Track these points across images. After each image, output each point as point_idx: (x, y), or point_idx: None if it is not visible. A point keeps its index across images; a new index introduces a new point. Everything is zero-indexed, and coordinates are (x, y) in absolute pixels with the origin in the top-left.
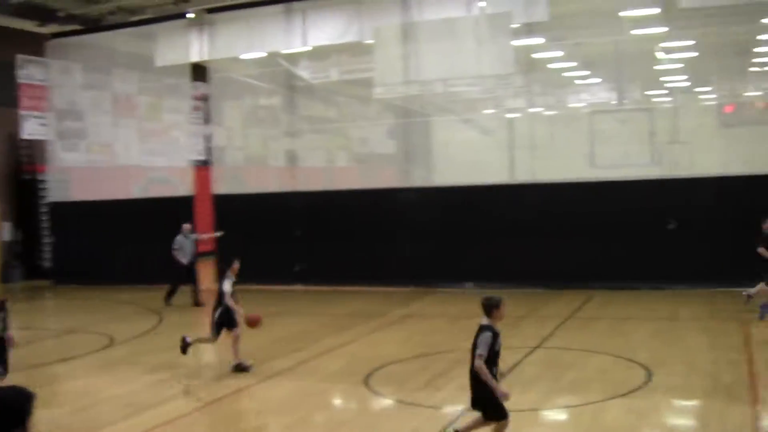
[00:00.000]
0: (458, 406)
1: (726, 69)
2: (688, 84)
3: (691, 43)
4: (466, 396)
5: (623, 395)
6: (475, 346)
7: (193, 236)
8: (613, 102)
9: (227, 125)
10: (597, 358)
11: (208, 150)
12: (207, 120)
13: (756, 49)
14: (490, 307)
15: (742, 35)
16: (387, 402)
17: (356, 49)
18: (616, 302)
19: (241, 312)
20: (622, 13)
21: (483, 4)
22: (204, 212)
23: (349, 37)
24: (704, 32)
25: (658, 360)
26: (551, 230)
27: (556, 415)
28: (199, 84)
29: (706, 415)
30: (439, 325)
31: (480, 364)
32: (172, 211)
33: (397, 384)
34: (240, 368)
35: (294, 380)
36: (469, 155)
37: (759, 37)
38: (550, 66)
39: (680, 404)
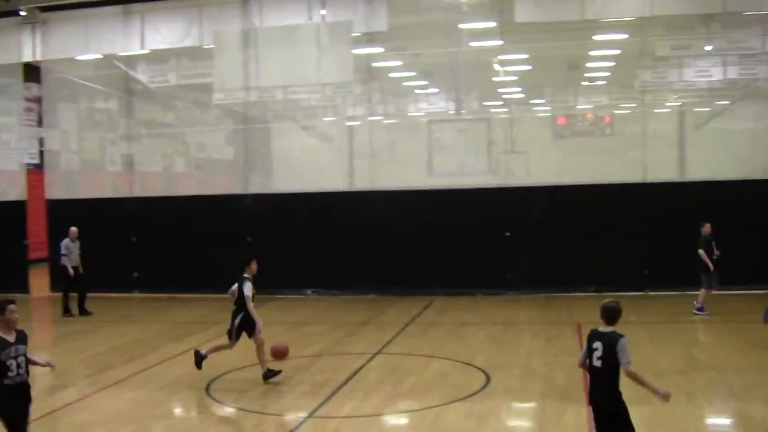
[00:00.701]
0: (300, 413)
1: (559, 82)
2: (523, 96)
3: (525, 56)
4: (309, 403)
5: (462, 399)
6: (613, 356)
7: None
8: (451, 112)
9: (62, 128)
10: (436, 363)
11: (41, 153)
12: (40, 122)
13: (588, 64)
14: (619, 312)
15: (574, 50)
16: (229, 410)
17: (196, 54)
18: (454, 308)
19: (260, 325)
20: (460, 26)
21: (324, 12)
22: (37, 218)
23: (189, 41)
24: (538, 46)
25: (496, 364)
26: (390, 237)
27: (397, 420)
28: (31, 85)
29: (542, 416)
30: (279, 333)
31: (634, 370)
32: (0, 217)
33: (238, 392)
34: (270, 374)
35: (133, 390)
36: (308, 162)
37: (590, 53)
38: (389, 75)
39: (518, 406)
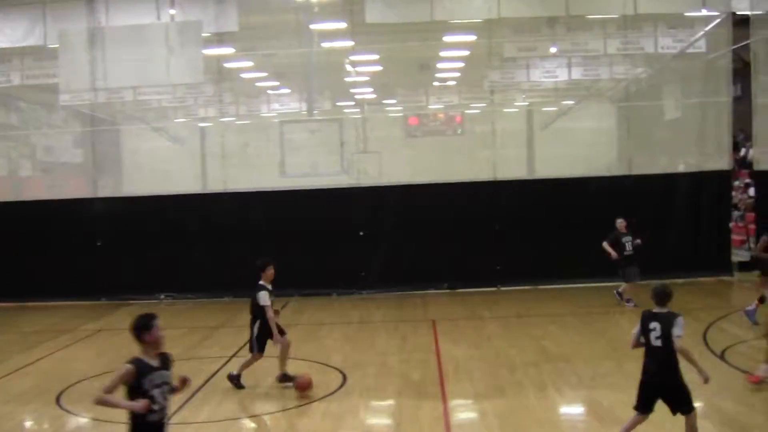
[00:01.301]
0: None
1: (410, 82)
2: (375, 96)
3: (376, 56)
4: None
5: (320, 399)
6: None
7: None
8: (304, 112)
9: None
10: (293, 364)
11: None
12: None
13: (438, 65)
14: (671, 294)
15: (424, 51)
16: (81, 420)
17: (41, 54)
18: (309, 308)
19: (278, 338)
20: (311, 26)
21: (173, 11)
22: None
23: (32, 41)
24: (389, 47)
25: (352, 363)
26: (243, 239)
27: (254, 423)
28: None
29: (399, 413)
30: (132, 339)
31: (684, 346)
32: None
33: (90, 401)
34: (286, 379)
35: None
36: (160, 164)
37: (440, 54)
38: (241, 76)
39: (375, 404)
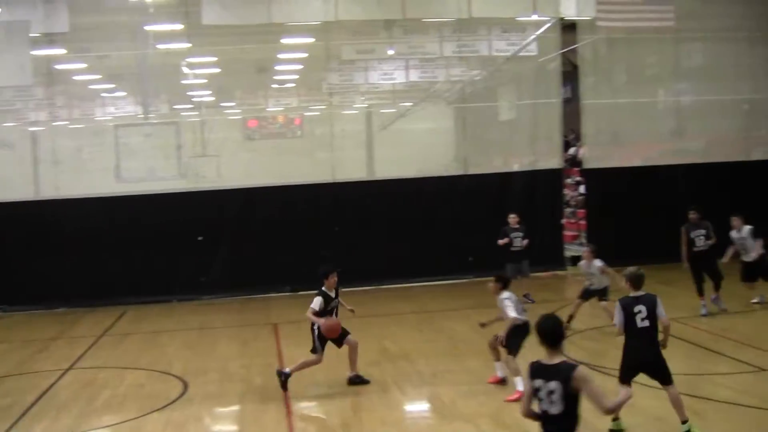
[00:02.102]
0: None
1: (249, 85)
2: (213, 99)
3: (214, 59)
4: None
5: (161, 409)
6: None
7: None
8: (140, 116)
9: None
10: (132, 374)
11: None
12: None
13: (277, 67)
14: (644, 277)
15: (263, 53)
16: None
17: None
18: (149, 316)
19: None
20: (146, 27)
21: None
22: None
23: None
24: (227, 49)
25: (193, 370)
26: (77, 248)
27: None
28: None
29: (243, 418)
30: None
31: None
32: None
33: None
34: (358, 380)
35: None
36: None
37: (279, 56)
38: (73, 78)
39: (218, 411)
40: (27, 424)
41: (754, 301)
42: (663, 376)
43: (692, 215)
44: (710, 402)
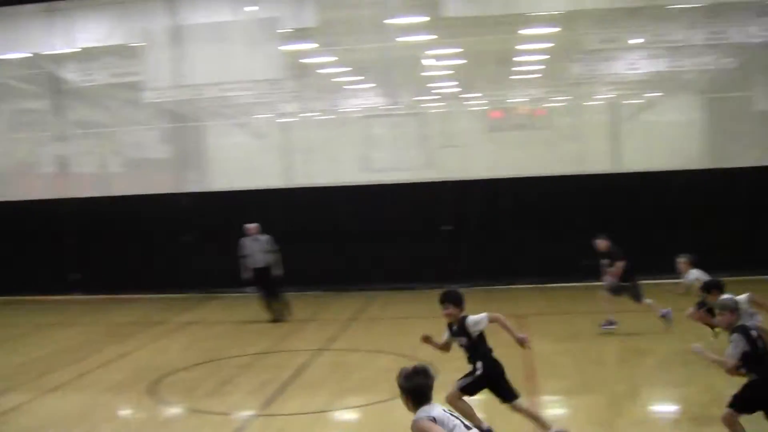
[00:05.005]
0: (249, 411)
1: (491, 76)
2: (456, 90)
3: (458, 50)
4: (257, 400)
5: None
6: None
7: None
8: (386, 106)
9: None
10: (381, 358)
11: None
12: None
13: (519, 58)
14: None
15: (505, 44)
16: (175, 410)
17: (125, 52)
18: (396, 303)
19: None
20: (390, 21)
21: (252, 8)
22: None
23: (115, 39)
24: (470, 41)
25: (440, 357)
26: (329, 234)
27: (344, 416)
28: None
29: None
30: (222, 331)
31: None
32: None
33: (184, 391)
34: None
35: (77, 393)
36: (243, 160)
37: (519, 47)
38: (321, 71)
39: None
40: (284, 399)
41: None
42: None
43: None
44: None
